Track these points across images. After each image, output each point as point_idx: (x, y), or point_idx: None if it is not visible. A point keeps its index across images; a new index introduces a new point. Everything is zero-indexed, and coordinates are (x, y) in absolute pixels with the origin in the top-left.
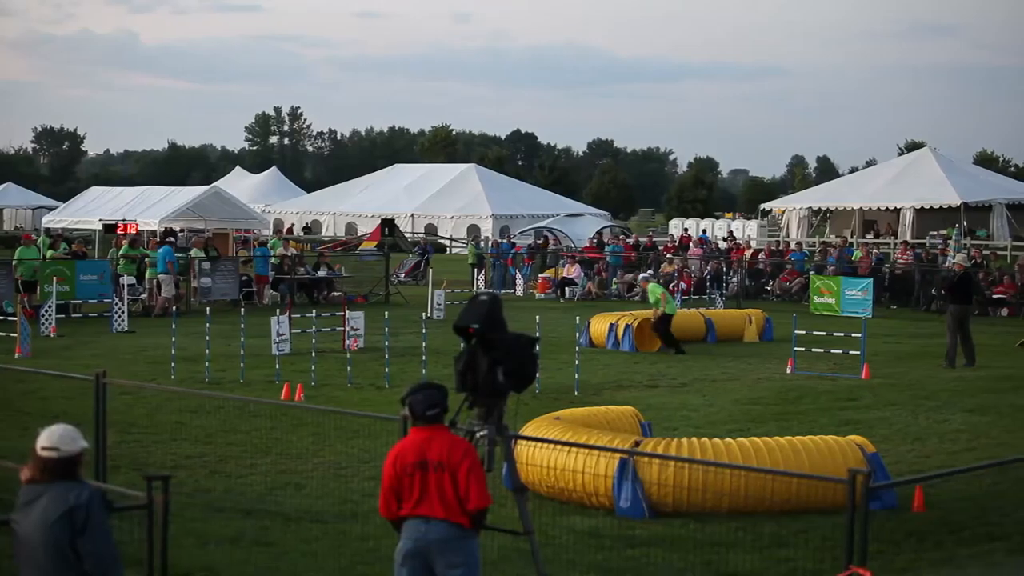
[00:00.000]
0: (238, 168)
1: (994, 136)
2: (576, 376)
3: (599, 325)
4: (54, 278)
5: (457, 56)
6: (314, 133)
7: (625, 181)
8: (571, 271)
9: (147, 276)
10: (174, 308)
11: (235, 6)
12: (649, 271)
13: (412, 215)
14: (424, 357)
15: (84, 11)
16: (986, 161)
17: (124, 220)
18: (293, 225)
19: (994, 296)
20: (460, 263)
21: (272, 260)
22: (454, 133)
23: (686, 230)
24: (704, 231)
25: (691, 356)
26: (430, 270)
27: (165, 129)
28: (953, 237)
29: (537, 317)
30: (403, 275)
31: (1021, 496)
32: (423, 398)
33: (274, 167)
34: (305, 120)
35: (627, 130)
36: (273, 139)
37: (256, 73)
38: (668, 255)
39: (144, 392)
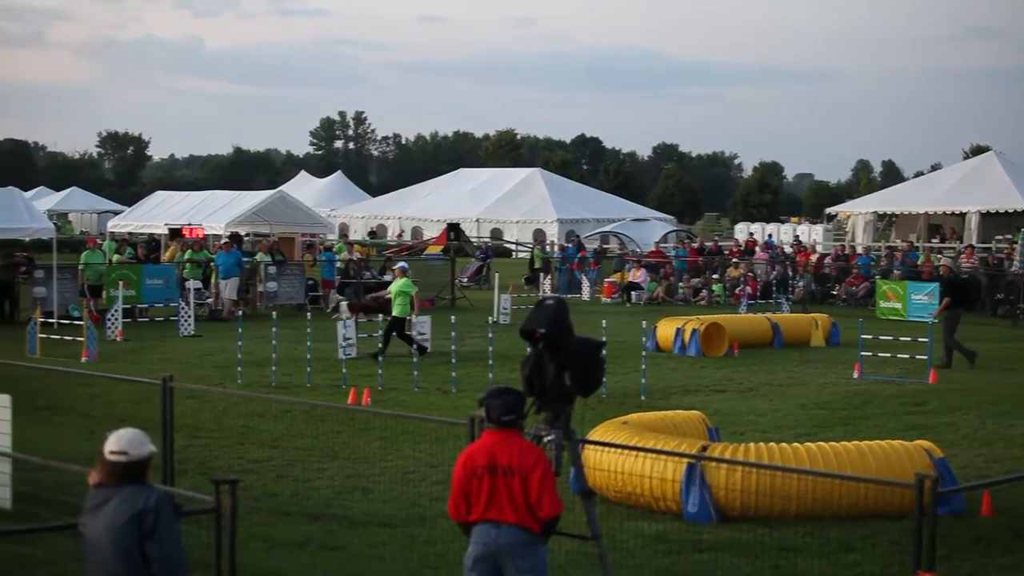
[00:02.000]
0: (303, 172)
1: None
2: (643, 380)
3: (666, 329)
4: (120, 282)
5: (519, 60)
6: (379, 137)
7: (690, 185)
8: (637, 275)
9: (212, 280)
10: (239, 312)
11: (300, 10)
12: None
13: (477, 219)
14: (490, 361)
15: (149, 16)
16: None
17: (190, 224)
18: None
19: None
20: (525, 267)
21: (337, 264)
22: (518, 137)
23: (751, 234)
24: (770, 235)
25: (758, 360)
26: (496, 274)
27: (229, 133)
28: (1019, 241)
29: (603, 321)
30: (465, 279)
31: None
32: (501, 403)
33: (339, 171)
34: (369, 124)
35: (692, 134)
36: (338, 143)
37: (320, 77)
38: (734, 259)
39: (211, 396)
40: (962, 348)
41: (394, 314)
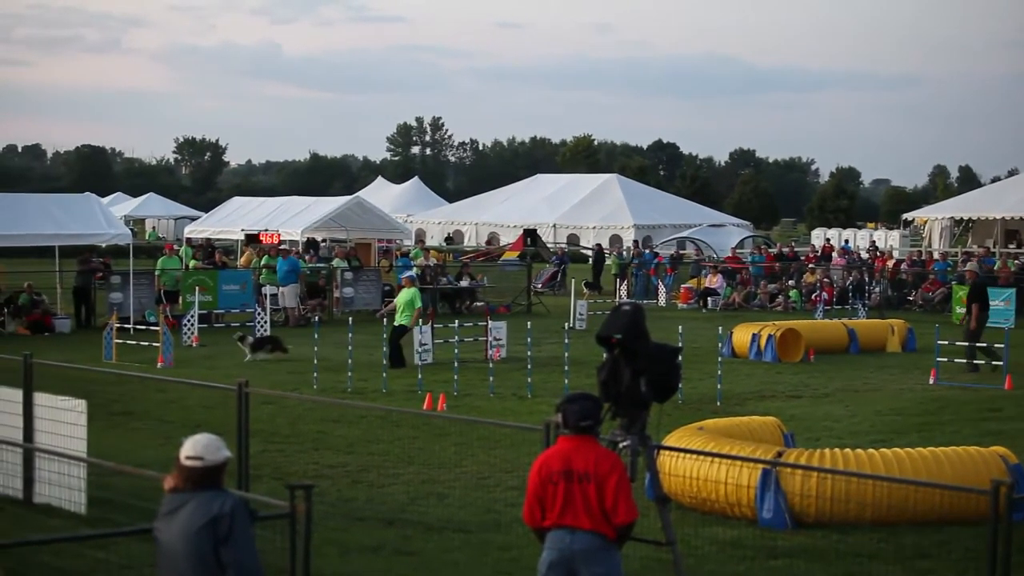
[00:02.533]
0: (380, 178)
1: None
2: (719, 386)
3: (742, 335)
4: (196, 288)
5: (597, 66)
6: (455, 143)
7: (767, 191)
8: (713, 281)
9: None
10: (316, 318)
11: (379, 17)
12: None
13: (554, 225)
14: (566, 367)
15: (227, 23)
16: None
17: (266, 230)
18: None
19: None
20: (603, 273)
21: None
22: (595, 143)
23: (828, 240)
24: (846, 241)
25: (834, 366)
26: (571, 280)
27: (306, 139)
28: None
29: (679, 327)
30: (540, 285)
31: None
32: (578, 408)
33: (416, 177)
34: (447, 130)
35: (769, 140)
36: (415, 149)
37: (397, 83)
38: (810, 265)
39: (286, 401)
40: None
41: (398, 322)
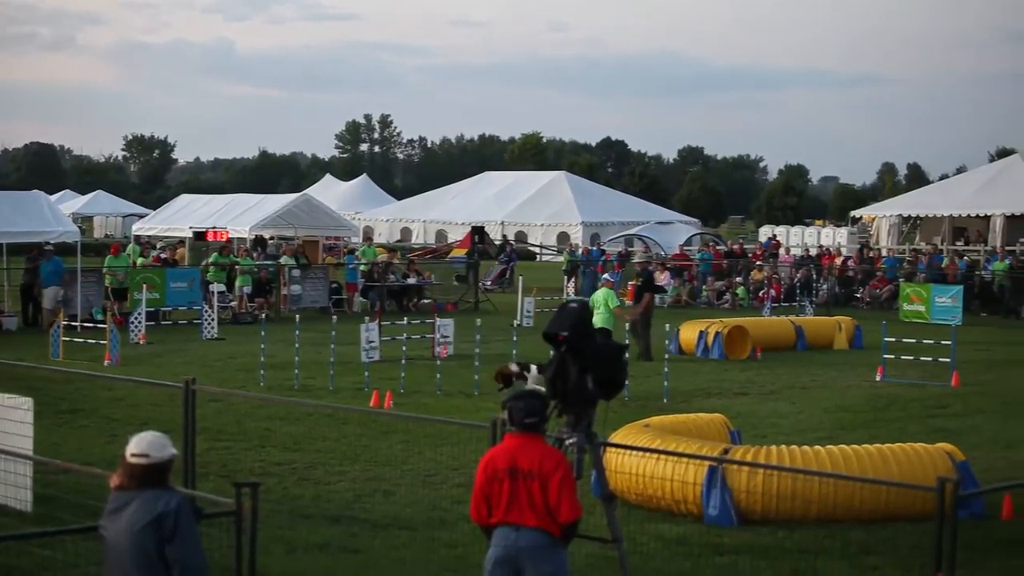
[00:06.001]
0: (328, 176)
1: None
2: (665, 383)
3: (689, 332)
4: (144, 286)
5: (550, 64)
6: (404, 140)
7: (715, 188)
8: (661, 278)
9: (236, 284)
10: (263, 316)
11: (333, 15)
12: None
13: (502, 223)
14: (514, 365)
15: (180, 20)
16: None
17: (214, 228)
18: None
19: None
20: (550, 271)
21: (361, 267)
22: (544, 141)
23: (774, 236)
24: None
25: (781, 363)
26: (519, 277)
27: (256, 137)
28: None
29: (627, 325)
30: (489, 283)
31: None
32: (524, 406)
33: (364, 175)
34: (395, 128)
35: (717, 138)
36: (363, 147)
37: (350, 81)
38: (758, 262)
39: (233, 399)
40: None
41: (599, 326)
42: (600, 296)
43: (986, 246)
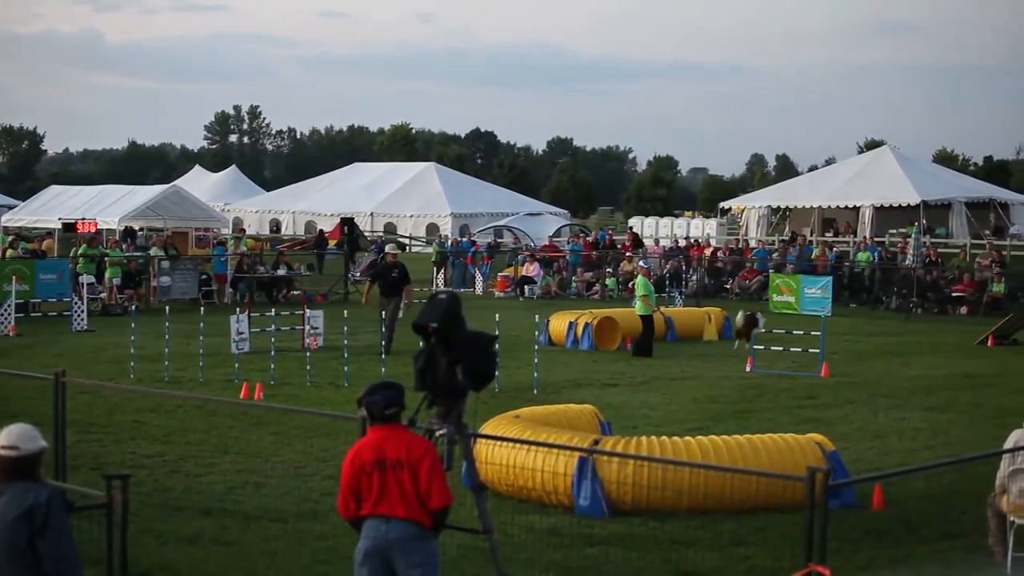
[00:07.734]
0: (197, 167)
1: (953, 134)
2: (535, 374)
3: (558, 323)
4: (13, 277)
5: (420, 55)
6: (273, 132)
7: (584, 179)
8: (530, 269)
9: (106, 275)
10: (133, 307)
11: (203, 6)
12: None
13: (372, 214)
14: (383, 356)
15: (50, 10)
16: (945, 159)
17: (83, 219)
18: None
19: (953, 294)
20: (420, 262)
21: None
22: (413, 132)
23: (630, 228)
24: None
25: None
26: None
27: (126, 128)
28: (912, 235)
29: (496, 315)
30: (359, 274)
31: (979, 494)
32: (380, 399)
33: (233, 166)
34: (264, 119)
35: (587, 128)
36: (233, 138)
37: (220, 73)
38: (627, 254)
39: (103, 391)
40: None
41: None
42: (640, 283)
43: (855, 237)
